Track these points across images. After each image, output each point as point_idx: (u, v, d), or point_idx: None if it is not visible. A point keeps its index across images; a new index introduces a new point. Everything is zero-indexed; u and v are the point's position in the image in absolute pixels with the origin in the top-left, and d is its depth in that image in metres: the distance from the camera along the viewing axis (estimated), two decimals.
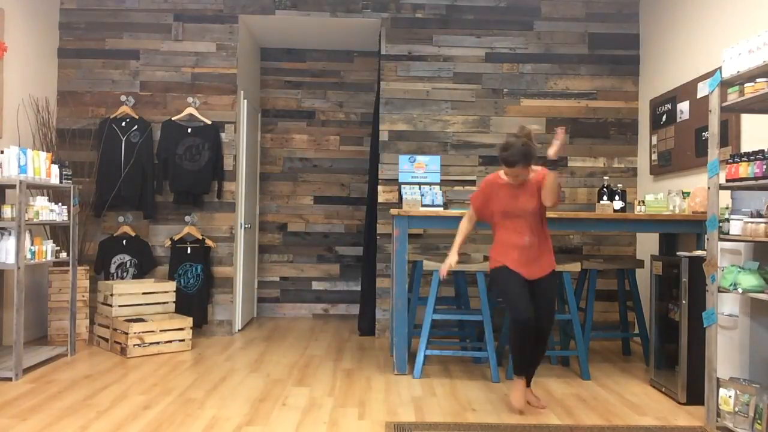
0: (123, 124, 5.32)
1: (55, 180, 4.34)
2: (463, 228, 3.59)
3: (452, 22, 5.63)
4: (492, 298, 4.64)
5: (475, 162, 5.61)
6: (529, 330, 3.24)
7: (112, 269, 5.29)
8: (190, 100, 5.46)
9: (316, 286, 6.60)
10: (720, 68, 3.18)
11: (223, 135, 5.47)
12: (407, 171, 5.50)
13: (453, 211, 4.20)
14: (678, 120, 4.88)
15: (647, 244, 5.42)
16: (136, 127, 5.33)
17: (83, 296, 5.00)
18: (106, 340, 4.79)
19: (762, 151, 2.95)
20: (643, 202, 4.56)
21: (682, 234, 4.73)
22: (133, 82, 5.50)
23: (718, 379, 3.14)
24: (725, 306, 3.33)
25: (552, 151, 3.22)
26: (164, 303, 4.97)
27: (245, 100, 5.76)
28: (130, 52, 5.50)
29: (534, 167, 3.33)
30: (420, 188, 4.91)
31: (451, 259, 3.51)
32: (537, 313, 3.33)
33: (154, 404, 3.44)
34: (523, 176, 3.31)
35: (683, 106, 4.80)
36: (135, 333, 4.55)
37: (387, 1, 5.62)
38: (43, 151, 4.77)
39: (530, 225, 3.36)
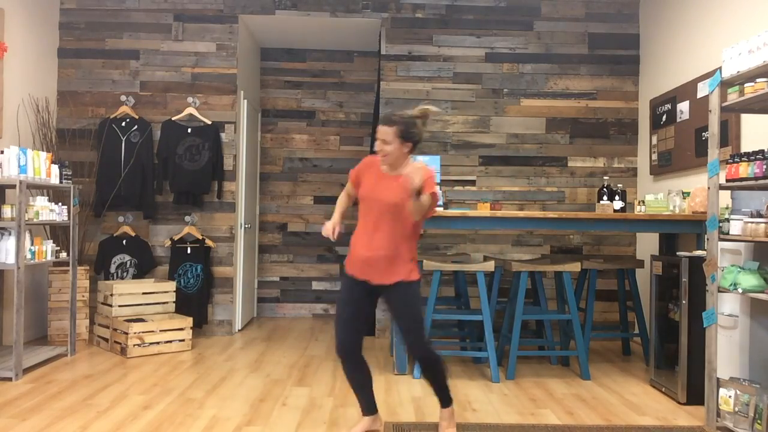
0: (123, 124, 5.32)
1: (55, 180, 4.34)
2: (341, 201, 3.10)
3: (452, 22, 5.63)
4: (491, 298, 4.64)
5: (475, 162, 5.61)
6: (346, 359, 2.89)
7: (112, 269, 5.29)
8: (190, 100, 5.46)
9: (316, 286, 6.60)
10: (720, 68, 3.18)
11: (223, 135, 5.47)
12: None
13: (453, 211, 4.20)
14: (678, 120, 4.88)
15: (647, 244, 5.43)
16: (136, 127, 5.33)
17: (83, 296, 5.00)
18: (106, 340, 4.79)
19: (762, 151, 2.95)
20: (643, 202, 4.56)
21: (682, 234, 4.73)
22: (133, 82, 5.50)
23: (718, 379, 3.14)
24: (725, 306, 3.33)
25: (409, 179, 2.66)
26: (164, 303, 4.97)
27: (245, 100, 5.76)
28: (130, 52, 5.50)
29: (416, 163, 2.71)
30: None
31: (334, 220, 2.97)
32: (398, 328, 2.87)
33: (154, 404, 3.44)
34: (387, 148, 2.80)
35: (683, 106, 4.80)
36: (135, 333, 4.55)
37: (387, 1, 5.62)
38: (43, 151, 4.77)
39: (387, 221, 2.83)
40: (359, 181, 2.97)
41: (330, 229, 2.87)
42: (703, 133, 4.50)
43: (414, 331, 2.79)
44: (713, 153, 3.19)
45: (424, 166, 2.68)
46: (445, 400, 2.96)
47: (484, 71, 5.64)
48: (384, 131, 2.78)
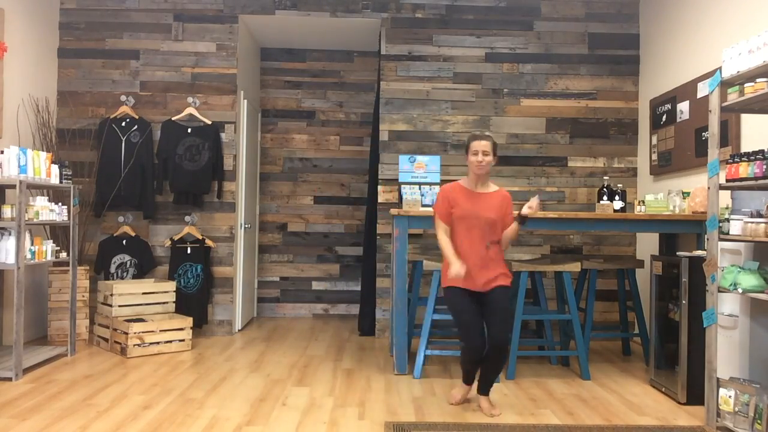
0: (123, 124, 5.32)
1: (55, 180, 4.34)
2: (447, 241, 3.46)
3: (452, 22, 5.63)
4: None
5: None
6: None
7: (112, 269, 5.29)
8: (190, 100, 5.46)
9: (316, 286, 6.60)
10: (720, 68, 3.18)
11: (223, 135, 5.47)
12: (407, 171, 5.50)
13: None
14: (678, 120, 4.88)
15: (647, 244, 5.42)
16: (136, 127, 5.33)
17: (83, 296, 5.00)
18: (106, 340, 4.79)
19: (762, 151, 2.95)
20: (643, 202, 4.55)
21: (682, 234, 4.73)
22: (133, 82, 5.50)
23: (718, 379, 3.14)
24: (725, 306, 3.33)
25: (527, 211, 3.35)
26: (164, 303, 4.97)
27: (245, 100, 5.76)
28: (130, 52, 5.50)
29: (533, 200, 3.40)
30: (420, 188, 4.91)
31: (458, 263, 3.28)
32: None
33: (154, 404, 3.44)
34: (488, 158, 3.40)
35: (683, 106, 4.80)
36: (135, 333, 4.55)
37: (387, 1, 5.62)
38: (43, 151, 4.77)
39: (489, 235, 3.41)
40: (451, 207, 3.43)
41: (462, 270, 3.24)
42: (703, 133, 4.50)
43: (506, 325, 3.32)
44: (713, 153, 3.19)
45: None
46: (490, 387, 3.45)
47: (484, 71, 5.64)
48: (485, 145, 3.39)
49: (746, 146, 3.96)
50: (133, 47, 5.50)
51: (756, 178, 2.95)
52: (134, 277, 5.31)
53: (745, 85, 3.03)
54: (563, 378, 4.17)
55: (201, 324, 5.36)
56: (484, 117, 5.63)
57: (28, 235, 4.04)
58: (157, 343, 4.66)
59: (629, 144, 5.66)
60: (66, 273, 4.83)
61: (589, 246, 5.65)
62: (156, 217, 5.42)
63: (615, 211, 4.71)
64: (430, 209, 4.46)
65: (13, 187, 4.01)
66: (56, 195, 5.06)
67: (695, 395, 3.52)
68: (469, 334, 3.28)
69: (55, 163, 4.38)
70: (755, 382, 3.08)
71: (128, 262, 5.31)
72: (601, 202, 4.77)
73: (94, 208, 5.30)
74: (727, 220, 3.18)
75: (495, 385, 3.97)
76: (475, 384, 3.53)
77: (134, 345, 4.55)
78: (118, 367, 4.27)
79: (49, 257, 4.29)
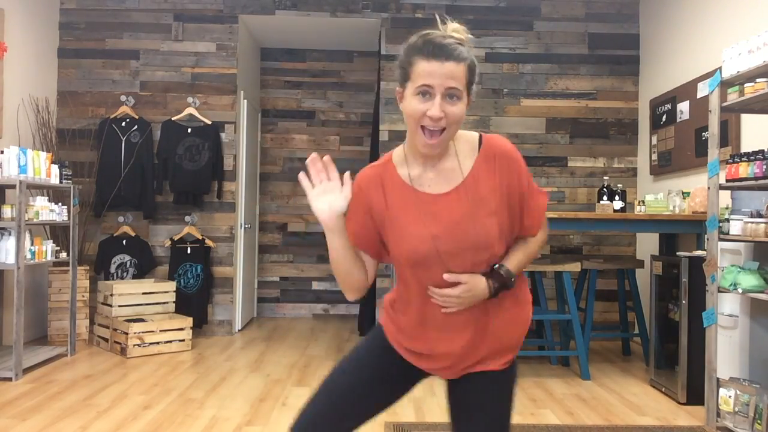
0: (123, 124, 5.32)
1: (55, 180, 4.34)
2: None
3: None
4: None
5: None
6: None
7: (112, 269, 5.29)
8: (190, 100, 5.45)
9: (316, 286, 6.60)
10: (720, 68, 3.18)
11: (223, 135, 5.47)
12: None
13: None
14: (678, 120, 4.88)
15: (647, 244, 5.42)
16: (136, 127, 5.33)
17: (83, 296, 4.99)
18: (106, 340, 4.79)
19: (762, 151, 2.95)
20: (643, 202, 4.56)
21: (682, 234, 4.72)
22: (133, 82, 5.50)
23: (718, 379, 3.14)
24: (725, 306, 3.33)
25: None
26: (164, 303, 4.97)
27: (245, 100, 5.76)
28: (130, 52, 5.50)
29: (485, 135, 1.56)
30: None
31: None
32: None
33: (154, 404, 3.44)
34: (454, 110, 1.40)
35: (683, 106, 4.80)
36: (135, 333, 4.55)
37: (387, 1, 5.62)
38: (43, 151, 4.77)
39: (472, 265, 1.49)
40: (373, 221, 1.55)
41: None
42: (703, 133, 4.50)
43: None
44: (713, 153, 3.19)
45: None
46: None
47: (484, 71, 5.64)
48: (451, 70, 1.40)
49: (746, 146, 3.96)
50: (133, 47, 5.50)
51: (756, 178, 2.95)
52: (134, 277, 5.31)
53: (745, 85, 3.03)
54: (563, 378, 4.17)
55: (201, 324, 5.36)
56: (484, 117, 5.63)
57: (28, 235, 4.04)
58: (157, 343, 4.66)
59: (629, 144, 5.66)
60: (66, 273, 4.83)
61: (589, 246, 5.65)
62: (156, 217, 5.42)
63: (615, 211, 4.71)
64: None
65: (13, 187, 4.01)
66: (56, 195, 5.06)
67: (695, 395, 3.52)
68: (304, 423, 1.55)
69: (55, 163, 4.38)
70: (755, 382, 3.08)
71: (128, 262, 5.31)
72: (601, 202, 4.77)
73: (94, 208, 5.30)
74: (727, 220, 3.18)
75: None
76: None
77: (134, 345, 4.55)
78: (118, 367, 4.27)
79: (49, 257, 4.29)
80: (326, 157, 1.46)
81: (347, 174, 1.47)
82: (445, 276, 1.45)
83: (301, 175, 1.49)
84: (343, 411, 1.55)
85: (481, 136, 1.53)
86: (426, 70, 1.38)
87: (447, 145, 1.48)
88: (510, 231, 1.51)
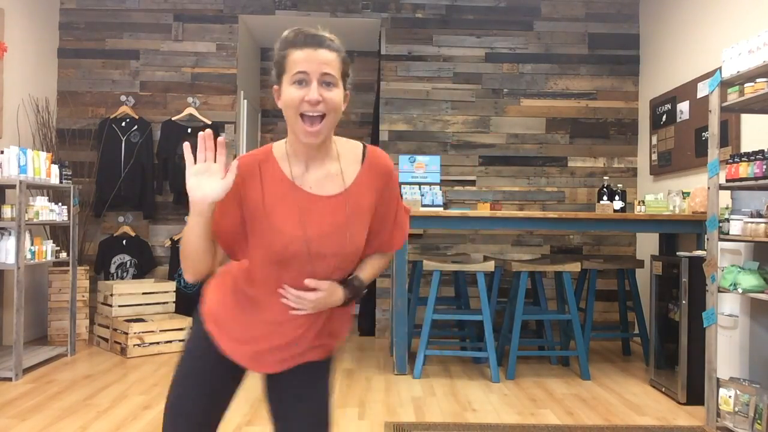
0: (123, 124, 5.32)
1: (55, 180, 4.33)
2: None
3: (452, 22, 5.63)
4: (491, 298, 4.63)
5: (475, 162, 5.61)
6: None
7: (112, 269, 5.29)
8: (190, 100, 5.46)
9: None
10: (720, 68, 3.18)
11: (223, 135, 5.46)
12: (407, 171, 5.50)
13: (453, 211, 4.21)
14: (678, 120, 4.88)
15: (647, 244, 5.42)
16: (136, 127, 5.33)
17: (83, 296, 4.99)
18: (106, 340, 4.79)
19: (762, 151, 2.95)
20: (643, 202, 4.56)
21: (682, 234, 4.72)
22: (133, 82, 5.50)
23: (718, 379, 3.14)
24: (725, 306, 3.33)
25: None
26: (164, 303, 4.97)
27: (245, 100, 5.75)
28: (130, 52, 5.50)
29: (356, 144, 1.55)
30: (420, 188, 4.92)
31: None
32: None
33: (154, 404, 3.44)
34: (331, 95, 1.41)
35: (683, 106, 4.80)
36: (135, 333, 4.55)
37: (387, 1, 5.61)
38: (43, 151, 4.77)
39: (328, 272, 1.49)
40: (242, 211, 1.47)
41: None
42: (703, 133, 4.50)
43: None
44: (713, 153, 3.19)
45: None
46: None
47: (484, 71, 5.64)
48: (326, 58, 1.43)
49: (746, 146, 3.96)
50: (133, 47, 5.50)
51: (756, 178, 2.95)
52: (134, 277, 5.31)
53: (745, 85, 3.03)
54: (563, 378, 4.17)
55: None
56: (484, 117, 5.63)
57: (28, 235, 4.04)
58: (157, 343, 4.66)
59: (629, 144, 5.66)
60: (66, 273, 4.83)
61: (589, 246, 5.65)
62: (156, 217, 5.42)
63: (615, 211, 4.71)
64: (431, 209, 4.47)
65: (13, 187, 4.01)
66: (56, 195, 5.06)
67: (695, 395, 3.52)
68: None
69: (55, 163, 4.38)
70: (755, 382, 3.08)
71: (128, 262, 5.31)
72: (601, 202, 4.77)
73: (94, 208, 5.30)
74: (727, 220, 3.18)
75: (495, 385, 3.97)
76: None
77: (134, 345, 4.55)
78: (118, 367, 4.27)
79: (49, 257, 4.29)
80: (221, 138, 1.37)
81: (235, 162, 1.39)
82: (307, 281, 1.43)
83: (186, 145, 1.39)
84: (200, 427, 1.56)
85: (365, 147, 1.52)
86: (300, 57, 1.39)
87: (329, 145, 1.47)
88: (367, 245, 1.52)
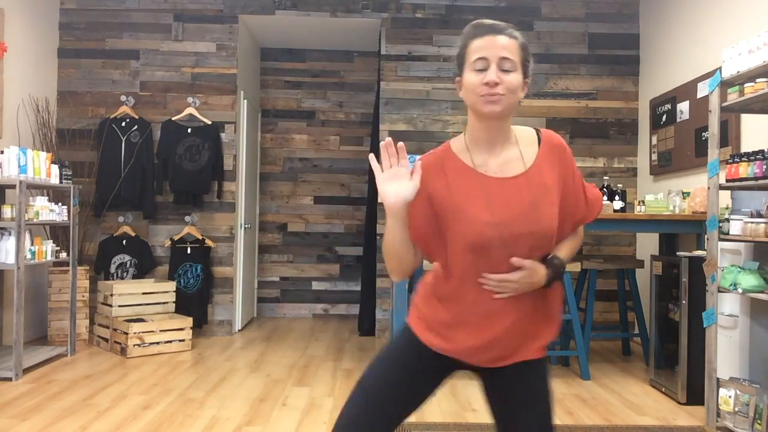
0: (123, 124, 5.32)
1: (55, 180, 4.34)
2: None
3: (452, 22, 5.63)
4: None
5: None
6: None
7: (112, 269, 5.29)
8: (190, 100, 5.45)
9: (316, 286, 6.60)
10: (720, 68, 3.18)
11: (223, 135, 5.47)
12: None
13: None
14: (678, 120, 4.88)
15: (647, 244, 5.42)
16: (136, 127, 5.33)
17: (83, 296, 4.99)
18: (106, 340, 4.79)
19: (762, 151, 2.95)
20: (643, 202, 4.55)
21: (682, 234, 4.72)
22: (133, 82, 5.50)
23: (718, 379, 3.14)
24: (725, 306, 3.33)
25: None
26: (164, 303, 4.97)
27: (245, 100, 5.76)
28: (130, 52, 5.50)
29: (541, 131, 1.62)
30: None
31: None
32: None
33: (154, 404, 3.44)
34: (510, 79, 1.45)
35: (683, 106, 4.80)
36: (135, 333, 4.55)
37: (387, 1, 5.61)
38: (43, 151, 4.77)
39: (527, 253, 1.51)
40: (433, 208, 1.52)
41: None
42: (703, 133, 4.50)
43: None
44: (713, 153, 3.19)
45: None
46: None
47: None
48: (507, 44, 1.45)
49: (746, 146, 3.96)
50: (133, 47, 5.50)
51: (756, 178, 2.95)
52: (134, 277, 5.31)
53: (745, 85, 3.03)
54: (563, 378, 4.17)
55: (201, 324, 5.36)
56: None
57: (28, 235, 4.04)
58: (157, 343, 4.66)
59: (629, 144, 5.66)
60: (66, 273, 4.83)
61: (589, 246, 5.65)
62: (156, 217, 5.42)
63: (615, 211, 4.71)
64: None
65: (13, 187, 4.01)
66: (56, 195, 5.06)
67: (695, 395, 3.52)
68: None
69: (55, 163, 4.38)
70: (755, 382, 3.08)
71: (128, 262, 5.31)
72: None
73: (94, 208, 5.30)
74: (727, 220, 3.18)
75: None
76: None
77: (134, 345, 4.55)
78: (118, 367, 4.27)
79: (49, 257, 4.29)
80: (400, 143, 1.44)
81: (418, 163, 1.46)
82: (513, 260, 1.45)
83: (371, 156, 1.48)
84: (381, 410, 1.55)
85: (538, 131, 1.60)
86: (479, 45, 1.45)
87: (509, 130, 1.53)
88: (561, 224, 1.53)
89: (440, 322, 1.55)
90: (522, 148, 1.53)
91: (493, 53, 1.43)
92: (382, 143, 1.44)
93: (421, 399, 1.60)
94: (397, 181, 1.43)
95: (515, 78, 1.45)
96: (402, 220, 1.47)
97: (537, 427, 1.53)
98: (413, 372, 1.57)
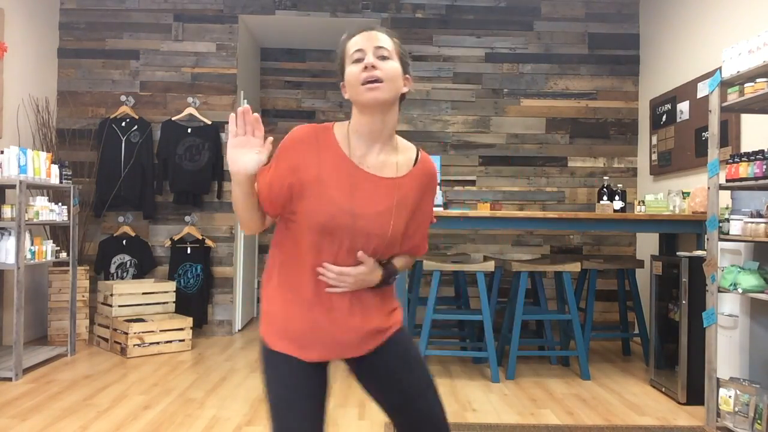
0: (123, 124, 5.32)
1: (55, 180, 4.34)
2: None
3: (452, 22, 5.63)
4: (491, 298, 4.63)
5: (475, 162, 5.61)
6: None
7: (112, 269, 5.29)
8: (190, 100, 5.45)
9: None
10: (720, 68, 3.18)
11: (223, 135, 5.47)
12: None
13: (453, 211, 4.21)
14: (678, 120, 4.88)
15: (647, 244, 5.42)
16: (136, 127, 5.33)
17: (83, 296, 4.99)
18: (106, 340, 4.79)
19: (762, 151, 2.95)
20: (643, 202, 4.56)
21: (682, 234, 4.73)
22: (133, 82, 5.50)
23: (718, 379, 3.14)
24: (725, 306, 3.33)
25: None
26: (164, 303, 4.97)
27: (245, 100, 5.76)
28: (130, 52, 5.50)
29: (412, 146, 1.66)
30: None
31: None
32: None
33: (154, 404, 3.44)
34: (386, 66, 1.47)
35: (683, 106, 4.80)
36: (135, 333, 4.55)
37: (387, 1, 5.62)
38: (43, 151, 4.77)
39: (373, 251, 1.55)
40: (296, 185, 1.51)
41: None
42: (703, 133, 4.50)
43: (437, 395, 1.68)
44: (713, 153, 3.19)
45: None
46: None
47: (484, 71, 5.64)
48: (378, 39, 1.49)
49: (746, 146, 3.96)
50: (133, 47, 5.50)
51: (756, 178, 2.95)
52: (134, 277, 5.31)
53: (745, 85, 3.03)
54: (563, 378, 4.17)
55: (201, 324, 5.36)
56: (484, 117, 5.63)
57: (28, 235, 4.04)
58: (157, 343, 4.66)
59: (629, 144, 5.66)
60: (66, 273, 4.83)
61: (589, 246, 5.65)
62: (156, 217, 5.42)
63: (615, 211, 4.71)
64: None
65: (13, 187, 4.01)
66: (56, 195, 5.06)
67: (695, 395, 3.52)
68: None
69: (55, 163, 4.38)
70: (755, 382, 3.08)
71: (128, 262, 5.31)
72: (601, 202, 4.77)
73: (94, 208, 5.30)
74: (727, 220, 3.18)
75: (495, 385, 3.97)
76: None
77: (134, 345, 4.55)
78: (118, 367, 4.27)
79: (49, 257, 4.29)
80: (256, 115, 1.44)
81: (270, 139, 1.45)
82: (360, 254, 1.50)
83: (232, 116, 1.45)
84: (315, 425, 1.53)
85: (418, 150, 1.63)
86: (355, 41, 1.50)
87: (392, 132, 1.56)
88: (401, 241, 1.59)
89: (293, 331, 1.54)
90: (399, 158, 1.57)
91: (369, 44, 1.47)
92: (238, 109, 1.44)
93: (324, 402, 1.58)
94: (246, 149, 1.43)
95: (393, 65, 1.48)
96: (243, 187, 1.47)
97: (424, 383, 1.61)
98: (305, 385, 1.53)
